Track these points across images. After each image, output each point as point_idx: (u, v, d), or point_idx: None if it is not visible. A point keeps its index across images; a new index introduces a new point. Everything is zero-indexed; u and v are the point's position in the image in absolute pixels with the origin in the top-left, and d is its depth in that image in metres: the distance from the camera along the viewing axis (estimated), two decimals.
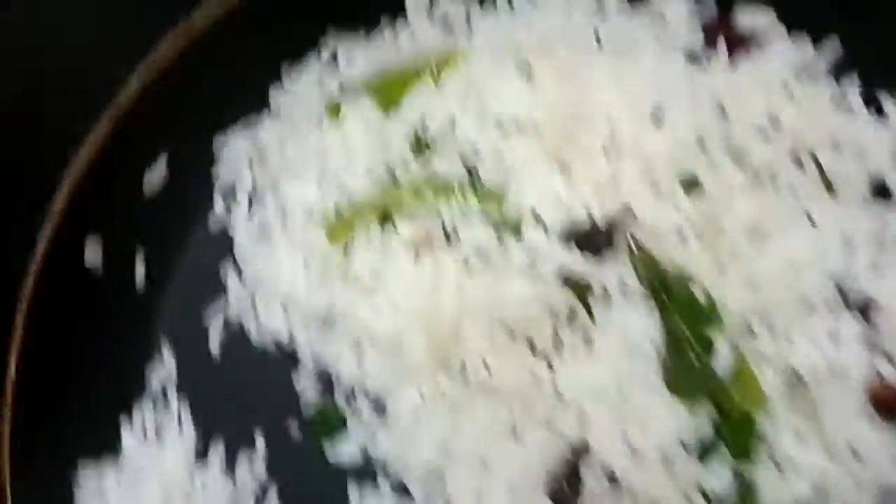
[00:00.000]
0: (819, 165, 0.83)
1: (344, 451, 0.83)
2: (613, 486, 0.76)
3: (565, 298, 0.79)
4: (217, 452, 0.86)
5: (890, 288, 0.79)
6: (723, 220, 0.80)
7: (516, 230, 0.80)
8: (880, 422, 0.77)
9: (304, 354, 0.86)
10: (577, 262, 0.79)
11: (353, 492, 0.82)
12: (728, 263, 0.80)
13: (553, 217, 0.80)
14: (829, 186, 0.83)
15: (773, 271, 0.79)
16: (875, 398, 0.77)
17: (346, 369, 0.84)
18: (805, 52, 0.88)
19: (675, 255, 0.79)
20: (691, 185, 0.81)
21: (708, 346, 0.77)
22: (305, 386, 0.86)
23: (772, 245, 0.80)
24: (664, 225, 0.79)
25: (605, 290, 0.79)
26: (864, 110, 0.87)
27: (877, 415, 0.77)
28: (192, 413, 0.87)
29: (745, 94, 0.85)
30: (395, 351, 0.81)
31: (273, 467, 0.85)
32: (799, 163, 0.83)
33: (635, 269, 0.79)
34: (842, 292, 0.80)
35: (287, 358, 0.87)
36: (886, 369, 0.77)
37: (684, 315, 0.78)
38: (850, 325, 0.78)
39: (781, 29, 0.89)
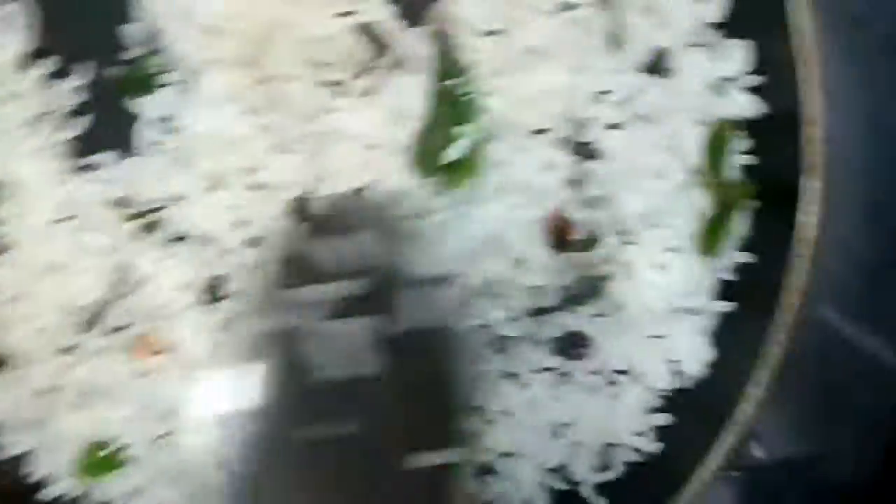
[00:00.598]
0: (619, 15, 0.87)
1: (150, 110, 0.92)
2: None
3: (367, 49, 0.88)
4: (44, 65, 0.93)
5: (617, 145, 0.88)
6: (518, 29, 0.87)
7: None
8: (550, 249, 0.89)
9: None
10: (388, 19, 0.88)
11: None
12: (509, 71, 0.87)
13: None
14: (617, 42, 0.88)
15: (530, 90, 0.87)
16: (551, 228, 0.89)
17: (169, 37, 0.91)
18: None
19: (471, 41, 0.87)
20: None
21: (455, 134, 0.87)
22: (133, 38, 0.92)
23: (542, 69, 0.87)
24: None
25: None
26: None
27: (550, 242, 0.89)
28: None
29: None
30: (213, 32, 0.89)
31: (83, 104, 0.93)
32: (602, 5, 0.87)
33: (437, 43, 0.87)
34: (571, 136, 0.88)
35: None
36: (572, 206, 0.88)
37: (448, 100, 0.87)
38: (562, 159, 0.88)
39: None
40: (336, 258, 0.71)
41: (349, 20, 0.89)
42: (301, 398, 0.66)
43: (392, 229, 0.79)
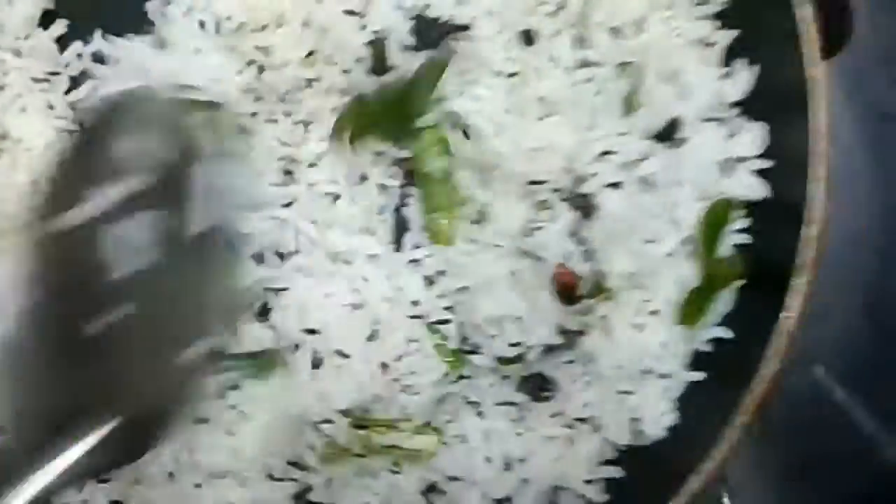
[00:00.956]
0: (637, 81, 0.88)
1: None
2: None
3: None
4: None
5: (614, 204, 0.88)
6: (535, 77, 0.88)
7: None
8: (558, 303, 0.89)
9: None
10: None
11: None
12: (517, 115, 0.88)
13: None
14: (629, 109, 0.89)
15: (535, 140, 0.87)
16: (558, 282, 0.89)
17: None
18: None
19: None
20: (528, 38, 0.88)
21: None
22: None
23: (550, 120, 0.87)
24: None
25: None
26: (720, 61, 0.89)
27: (557, 297, 0.89)
28: None
29: None
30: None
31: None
32: (622, 69, 0.88)
33: None
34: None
35: None
36: (576, 258, 0.89)
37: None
38: (565, 213, 0.88)
39: None
40: (127, 156, 0.72)
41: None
42: (84, 291, 0.69)
43: (183, 133, 0.79)
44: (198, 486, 0.94)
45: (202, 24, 0.90)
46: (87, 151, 0.73)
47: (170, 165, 0.72)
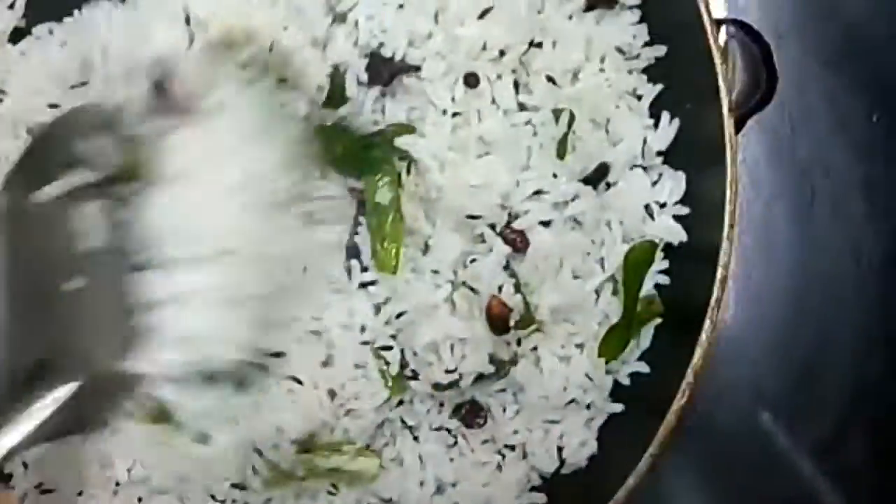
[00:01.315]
0: (570, 126, 0.93)
1: None
2: None
3: None
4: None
5: (545, 241, 0.92)
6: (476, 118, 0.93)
7: None
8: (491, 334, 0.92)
9: None
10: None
11: None
12: (460, 152, 0.92)
13: None
14: (562, 152, 0.94)
15: (473, 176, 0.91)
16: (490, 313, 0.92)
17: None
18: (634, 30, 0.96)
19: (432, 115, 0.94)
20: (472, 80, 0.93)
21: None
22: None
23: (488, 159, 0.92)
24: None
25: None
26: (647, 112, 0.96)
27: (490, 327, 0.92)
28: None
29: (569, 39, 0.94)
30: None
31: None
32: (557, 114, 0.94)
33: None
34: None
35: None
36: (508, 291, 0.92)
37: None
38: (499, 246, 0.92)
39: None
40: (84, 153, 0.80)
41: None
42: (52, 259, 0.77)
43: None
44: (139, 500, 0.97)
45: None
46: (52, 145, 0.82)
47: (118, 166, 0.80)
